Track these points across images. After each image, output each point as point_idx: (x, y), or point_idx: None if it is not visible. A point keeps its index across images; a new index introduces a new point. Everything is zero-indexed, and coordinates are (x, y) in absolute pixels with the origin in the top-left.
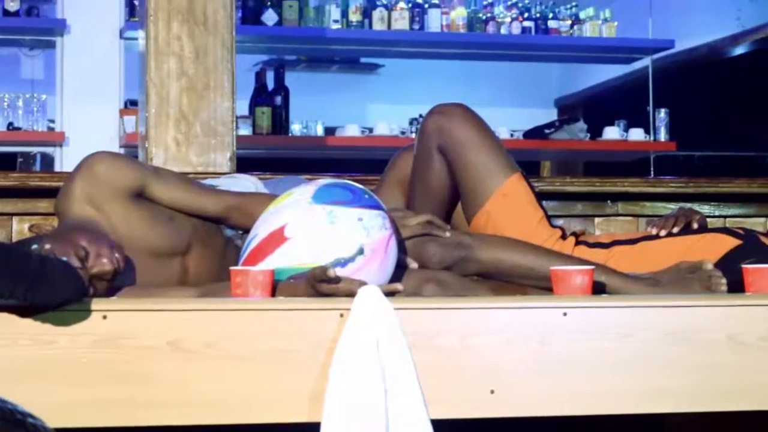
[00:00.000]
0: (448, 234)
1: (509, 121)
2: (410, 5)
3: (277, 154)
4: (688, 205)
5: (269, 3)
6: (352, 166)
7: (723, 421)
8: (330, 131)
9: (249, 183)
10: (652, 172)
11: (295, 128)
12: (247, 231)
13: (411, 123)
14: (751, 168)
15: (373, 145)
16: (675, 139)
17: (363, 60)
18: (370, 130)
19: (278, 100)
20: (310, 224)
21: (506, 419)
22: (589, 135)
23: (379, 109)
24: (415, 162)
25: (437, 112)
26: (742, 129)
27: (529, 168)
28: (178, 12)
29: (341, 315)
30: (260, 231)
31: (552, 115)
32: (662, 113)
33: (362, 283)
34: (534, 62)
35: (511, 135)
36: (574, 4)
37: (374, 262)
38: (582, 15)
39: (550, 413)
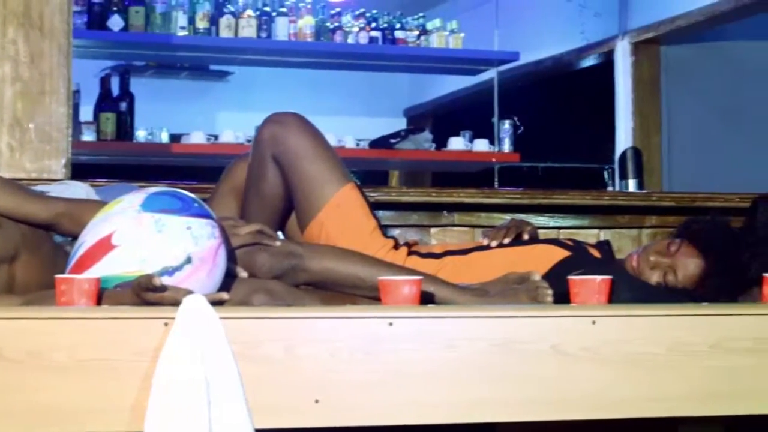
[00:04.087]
0: (278, 243)
1: (358, 130)
2: (258, 13)
3: (122, 161)
4: (522, 216)
5: (115, 8)
6: (198, 173)
7: (552, 429)
8: (176, 138)
9: (80, 190)
10: (496, 183)
11: (140, 135)
12: (76, 238)
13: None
14: (593, 180)
15: (218, 153)
16: (519, 151)
17: (213, 67)
18: (216, 137)
19: (123, 106)
20: (138, 232)
21: (334, 428)
22: (434, 145)
23: (228, 116)
24: (249, 171)
25: (272, 121)
26: (585, 141)
27: (377, 177)
28: (14, 16)
29: (166, 324)
30: (88, 238)
31: (402, 124)
32: (506, 124)
33: (188, 292)
34: (381, 72)
35: (357, 144)
36: (421, 15)
37: (202, 271)
38: (429, 26)
39: (374, 422)
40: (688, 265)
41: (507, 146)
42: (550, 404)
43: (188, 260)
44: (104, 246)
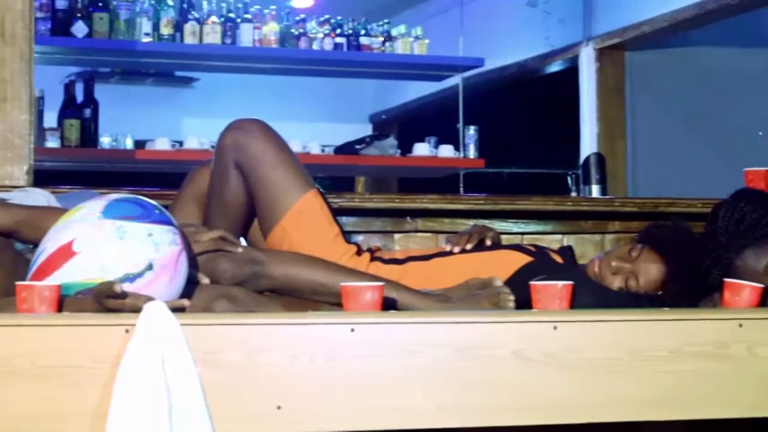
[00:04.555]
0: (240, 250)
1: (324, 136)
2: (222, 19)
3: (86, 167)
4: (486, 221)
5: (79, 15)
6: (162, 179)
7: None
8: (140, 144)
9: (41, 197)
10: (461, 189)
11: (105, 141)
12: (37, 245)
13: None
14: (558, 185)
15: (183, 159)
16: (484, 156)
17: (178, 74)
18: (181, 143)
19: (87, 112)
20: (99, 239)
21: None
22: (399, 151)
23: (193, 122)
24: (211, 177)
25: (235, 127)
26: (550, 147)
27: (343, 183)
28: None
29: (127, 331)
30: (48, 245)
31: (367, 130)
32: (471, 130)
33: (149, 299)
34: (346, 78)
35: (323, 150)
36: (386, 21)
37: (164, 277)
38: (394, 32)
39: (337, 428)
40: (650, 271)
41: (472, 152)
42: (512, 410)
43: (149, 267)
44: (65, 253)
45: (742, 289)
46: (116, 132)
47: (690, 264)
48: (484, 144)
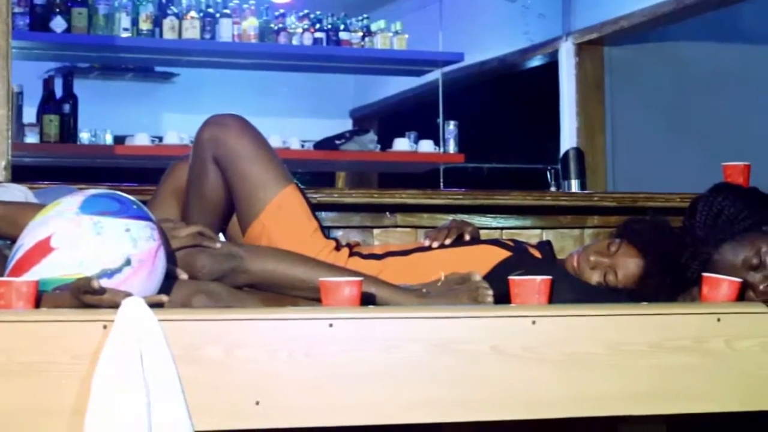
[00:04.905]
0: (218, 245)
1: (304, 131)
2: (201, 14)
3: (65, 163)
4: (465, 216)
5: (57, 10)
6: (142, 175)
7: (495, 428)
8: (120, 140)
9: (19, 192)
10: (441, 184)
11: (84, 136)
12: (14, 241)
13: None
14: (537, 180)
15: (162, 155)
16: (464, 151)
17: (158, 69)
18: (161, 139)
19: (67, 107)
20: (76, 234)
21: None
22: (379, 146)
23: (172, 118)
24: (189, 172)
25: (212, 122)
26: (530, 142)
27: (323, 178)
28: None
29: (105, 326)
30: (26, 241)
31: (348, 125)
32: (451, 125)
33: (127, 295)
34: (325, 73)
35: (302, 146)
36: (365, 16)
37: (142, 273)
38: (373, 27)
39: (315, 424)
40: (628, 265)
41: (452, 147)
42: (491, 404)
43: (127, 262)
44: (43, 248)
45: (720, 284)
46: (95, 127)
47: (668, 258)
48: (463, 139)
